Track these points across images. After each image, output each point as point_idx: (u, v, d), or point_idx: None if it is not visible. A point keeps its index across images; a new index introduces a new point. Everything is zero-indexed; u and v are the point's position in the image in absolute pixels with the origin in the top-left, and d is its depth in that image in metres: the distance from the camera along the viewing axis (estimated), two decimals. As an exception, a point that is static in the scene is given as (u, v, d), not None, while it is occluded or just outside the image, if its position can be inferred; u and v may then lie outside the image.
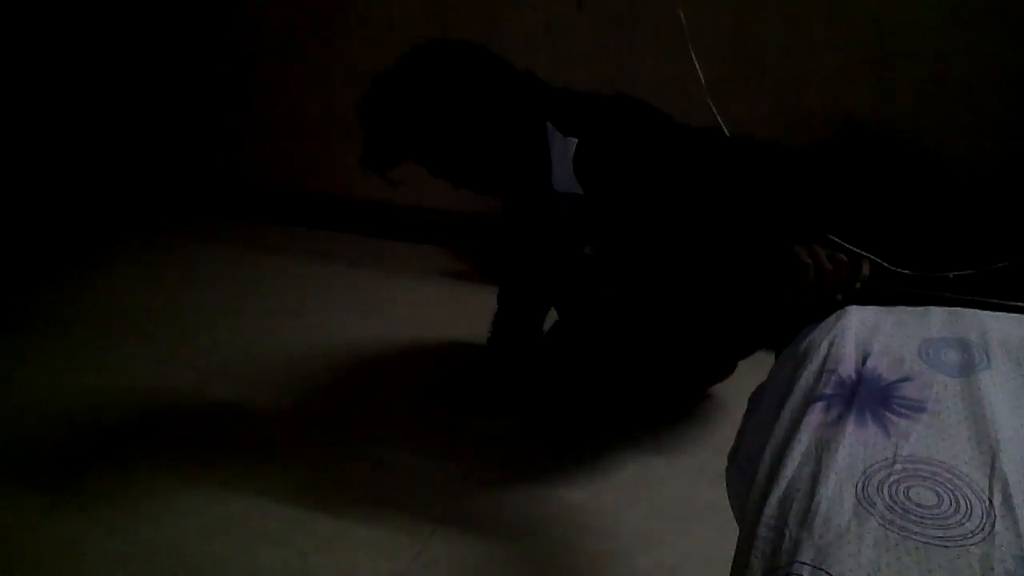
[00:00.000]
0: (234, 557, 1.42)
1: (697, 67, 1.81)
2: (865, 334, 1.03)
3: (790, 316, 1.15)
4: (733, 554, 0.85)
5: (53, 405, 1.84)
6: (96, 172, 2.77)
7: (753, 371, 1.60)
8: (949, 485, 0.80)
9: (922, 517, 0.76)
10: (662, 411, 1.71)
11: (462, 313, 2.22)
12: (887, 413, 0.90)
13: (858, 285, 1.11)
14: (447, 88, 1.37)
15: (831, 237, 1.25)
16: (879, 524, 0.76)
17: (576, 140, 1.36)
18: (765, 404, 1.05)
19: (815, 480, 0.83)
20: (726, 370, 1.67)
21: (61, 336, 2.13)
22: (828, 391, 0.95)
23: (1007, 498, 0.77)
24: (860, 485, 0.81)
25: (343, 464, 1.65)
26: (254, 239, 2.70)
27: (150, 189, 2.90)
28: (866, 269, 1.12)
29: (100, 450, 1.69)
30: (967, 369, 0.94)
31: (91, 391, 1.88)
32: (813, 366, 1.00)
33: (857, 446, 0.86)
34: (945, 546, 0.73)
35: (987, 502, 0.77)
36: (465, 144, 1.42)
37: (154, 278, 2.48)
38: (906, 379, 0.94)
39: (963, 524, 0.75)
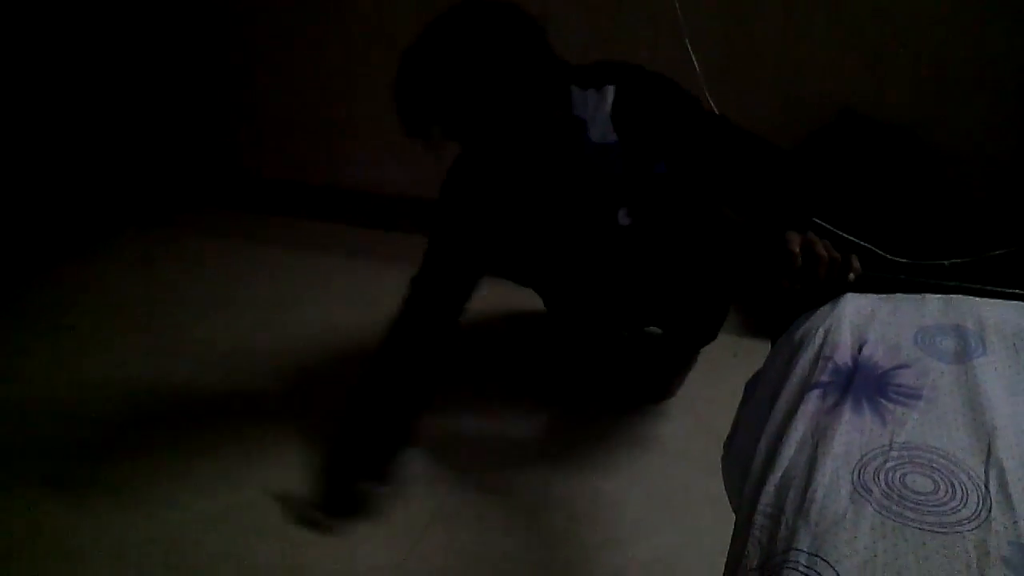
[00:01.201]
0: (231, 550, 1.42)
1: (692, 56, 1.80)
2: (861, 322, 1.03)
3: (788, 303, 1.15)
4: (729, 542, 0.85)
5: (49, 396, 1.83)
6: (93, 163, 2.76)
7: (749, 359, 1.60)
8: (945, 472, 0.80)
9: (918, 504, 0.76)
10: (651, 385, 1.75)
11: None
12: (883, 400, 0.90)
13: (852, 277, 1.11)
14: (482, 51, 1.30)
15: (827, 227, 1.25)
16: (875, 511, 0.76)
17: (612, 88, 1.38)
18: (761, 392, 1.05)
19: (811, 468, 0.83)
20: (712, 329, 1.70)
21: (57, 327, 2.13)
22: (824, 379, 0.95)
23: (1003, 484, 0.77)
24: (856, 472, 0.82)
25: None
26: (251, 230, 2.69)
27: (147, 180, 2.89)
28: (856, 263, 1.12)
29: (96, 441, 1.69)
30: (963, 356, 0.94)
31: (87, 382, 1.88)
32: (809, 354, 1.00)
33: (853, 433, 0.86)
34: (942, 532, 0.73)
35: (983, 488, 0.77)
36: (500, 107, 1.33)
37: (151, 269, 2.47)
38: (902, 366, 0.94)
39: (959, 511, 0.75)
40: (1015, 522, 0.73)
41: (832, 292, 1.11)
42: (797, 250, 1.11)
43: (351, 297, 2.27)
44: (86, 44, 2.68)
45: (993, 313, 1.00)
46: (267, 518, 1.48)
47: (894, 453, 0.83)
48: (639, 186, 1.40)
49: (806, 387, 0.95)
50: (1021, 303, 1.03)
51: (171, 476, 1.59)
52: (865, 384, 0.93)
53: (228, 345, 2.04)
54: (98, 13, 2.68)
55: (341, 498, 1.48)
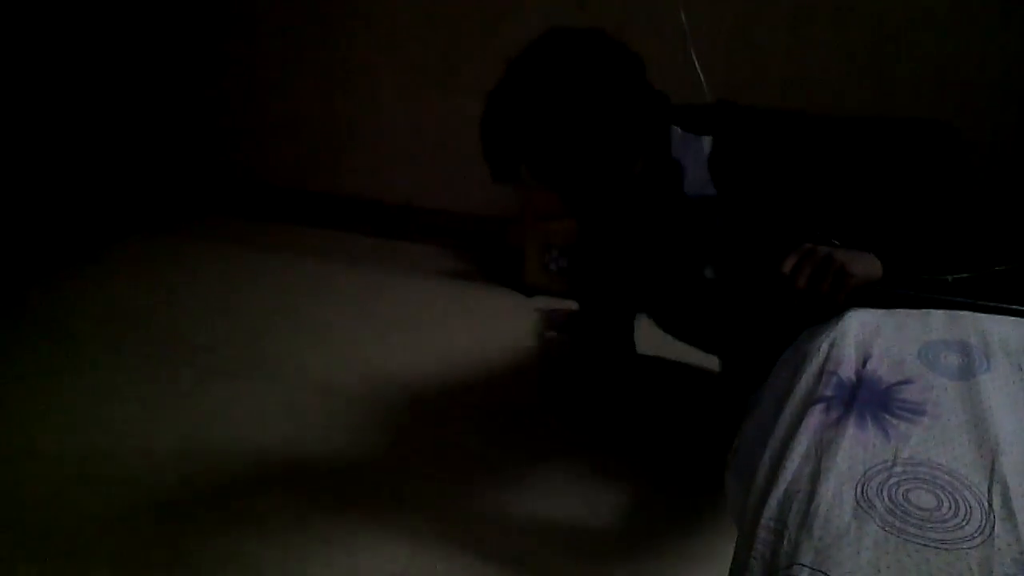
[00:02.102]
0: (233, 557, 1.41)
1: (698, 67, 1.81)
2: (865, 336, 1.03)
3: (792, 317, 1.15)
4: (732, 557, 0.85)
5: (49, 404, 1.83)
6: (95, 170, 2.77)
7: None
8: (949, 488, 0.80)
9: (922, 520, 0.76)
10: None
11: (461, 312, 2.22)
12: (887, 416, 0.90)
13: (840, 298, 1.11)
14: (578, 86, 1.18)
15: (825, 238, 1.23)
16: (879, 526, 0.76)
17: (709, 139, 1.28)
18: (764, 406, 1.05)
19: (814, 482, 0.83)
20: None
21: (58, 334, 2.12)
22: (828, 393, 0.95)
23: (1007, 501, 0.77)
24: (860, 487, 0.82)
25: (341, 463, 1.65)
26: (253, 238, 2.69)
27: (149, 187, 2.89)
28: (853, 281, 1.11)
29: (98, 446, 1.69)
30: (967, 372, 0.94)
31: (88, 389, 1.88)
32: (813, 368, 1.00)
33: (857, 448, 0.86)
34: (945, 549, 0.73)
35: (987, 505, 0.77)
36: (595, 150, 1.22)
37: (152, 276, 2.47)
38: (906, 382, 0.95)
39: (963, 527, 0.75)
40: (1018, 539, 0.73)
41: (828, 308, 1.11)
42: (787, 270, 1.11)
43: (353, 305, 2.27)
44: (90, 51, 2.69)
45: (997, 329, 1.00)
46: (270, 524, 1.48)
47: (898, 468, 0.83)
48: (730, 242, 1.30)
49: (810, 401, 0.95)
50: (1025, 319, 1.03)
51: (172, 484, 1.59)
52: (869, 399, 0.93)
53: (229, 352, 2.04)
54: (102, 20, 2.69)
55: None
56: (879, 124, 1.35)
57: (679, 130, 1.29)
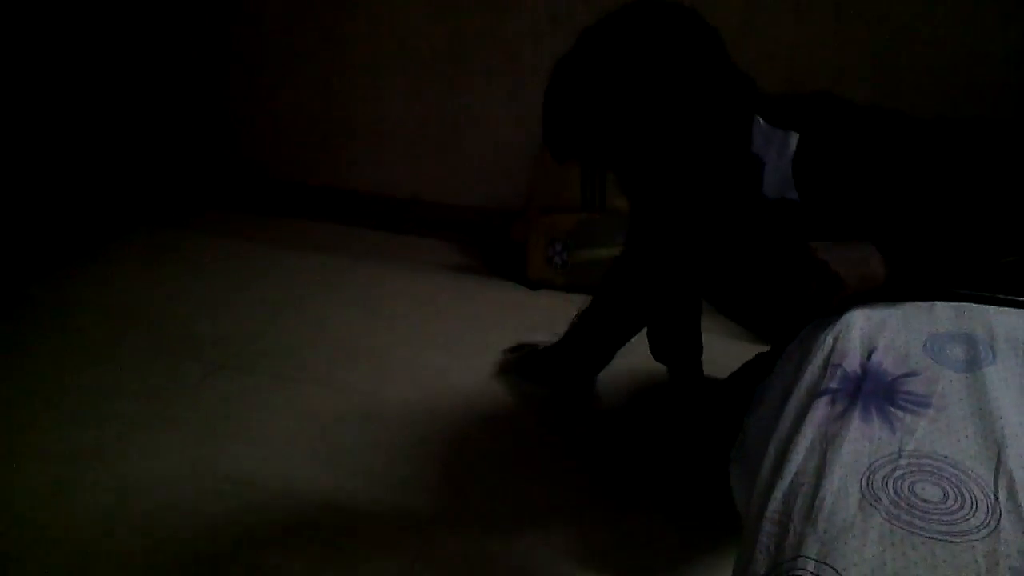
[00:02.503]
0: (236, 556, 1.42)
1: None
2: (870, 329, 1.02)
3: (798, 310, 1.15)
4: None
5: (54, 399, 1.84)
6: (99, 164, 2.77)
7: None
8: (954, 480, 0.80)
9: (927, 512, 0.76)
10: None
11: (467, 306, 2.22)
12: (892, 408, 0.90)
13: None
14: (656, 67, 1.07)
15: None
16: (884, 519, 0.76)
17: (795, 137, 1.13)
18: (769, 398, 1.04)
19: (820, 475, 0.83)
20: None
21: (65, 329, 2.13)
22: (833, 385, 0.95)
23: (1012, 493, 0.77)
24: (865, 480, 0.81)
25: (345, 456, 1.65)
26: (258, 232, 2.70)
27: (154, 181, 2.90)
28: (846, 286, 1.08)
29: (103, 441, 1.69)
30: (973, 364, 0.94)
31: (94, 383, 1.88)
32: (818, 360, 1.00)
33: (862, 441, 0.86)
34: (950, 541, 0.73)
35: (992, 497, 0.77)
36: (668, 137, 1.12)
37: (157, 271, 2.47)
38: (911, 374, 0.94)
39: (968, 519, 0.75)
40: (1024, 532, 0.73)
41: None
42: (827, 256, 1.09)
43: (358, 299, 2.27)
44: (95, 46, 2.69)
45: (1003, 321, 1.00)
46: (274, 520, 1.49)
47: (903, 461, 0.83)
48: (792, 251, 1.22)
49: (815, 393, 0.95)
50: (1031, 311, 1.03)
51: (177, 478, 1.59)
52: (874, 391, 0.92)
53: (235, 346, 2.04)
54: (108, 15, 2.69)
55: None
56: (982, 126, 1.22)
57: (763, 122, 1.16)
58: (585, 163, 1.24)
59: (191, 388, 1.87)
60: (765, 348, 1.45)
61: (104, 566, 1.40)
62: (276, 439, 1.70)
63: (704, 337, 1.71)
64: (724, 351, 1.73)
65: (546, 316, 2.09)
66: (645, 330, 1.69)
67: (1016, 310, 1.03)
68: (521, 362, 1.88)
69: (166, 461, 1.64)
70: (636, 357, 1.75)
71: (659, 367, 1.75)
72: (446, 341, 2.05)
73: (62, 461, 1.64)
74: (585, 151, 1.15)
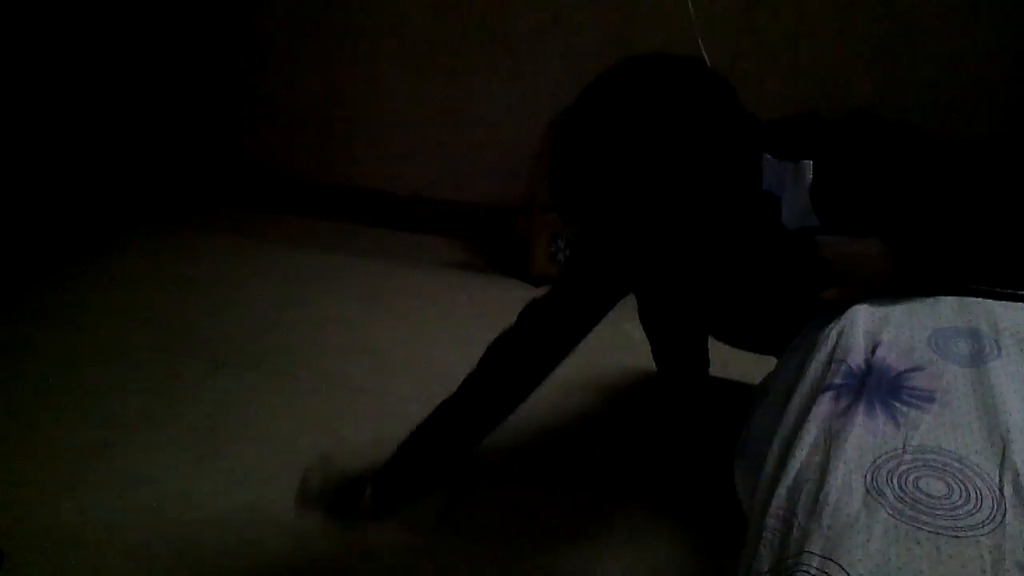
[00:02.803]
0: (240, 548, 1.42)
1: (704, 55, 1.80)
2: (875, 324, 1.02)
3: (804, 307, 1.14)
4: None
5: (57, 397, 1.84)
6: (103, 163, 2.77)
7: (761, 361, 1.59)
8: (959, 475, 0.79)
9: (932, 507, 0.76)
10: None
11: (470, 304, 2.22)
12: (897, 403, 0.89)
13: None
14: (663, 128, 1.04)
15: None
16: (889, 514, 0.76)
17: (810, 164, 1.12)
18: (773, 395, 1.04)
19: (824, 470, 0.83)
20: None
21: (68, 327, 2.13)
22: (837, 381, 0.94)
23: (1017, 488, 0.76)
24: (869, 475, 0.81)
25: (347, 456, 1.65)
26: (261, 229, 2.70)
27: (157, 179, 2.90)
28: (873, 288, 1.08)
29: (108, 439, 1.69)
30: (977, 359, 0.94)
31: (98, 381, 1.89)
32: (822, 356, 1.00)
33: (866, 436, 0.86)
34: (955, 536, 0.73)
35: (998, 492, 0.77)
36: (678, 198, 1.08)
37: (160, 268, 2.48)
38: (916, 369, 0.94)
39: (973, 514, 0.75)
40: (1030, 526, 0.73)
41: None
42: (830, 256, 1.08)
43: (361, 297, 2.27)
44: (100, 44, 2.69)
45: (1008, 316, 0.99)
46: (277, 515, 1.49)
47: (907, 456, 0.82)
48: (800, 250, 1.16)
49: (819, 389, 0.95)
50: (1036, 306, 1.02)
51: (182, 472, 1.60)
52: (878, 386, 0.92)
53: (238, 344, 2.04)
54: (107, 13, 2.69)
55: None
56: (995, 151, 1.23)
57: (771, 158, 1.15)
58: (594, 227, 1.21)
59: (193, 386, 1.87)
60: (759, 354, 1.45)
61: (109, 562, 1.40)
62: (278, 437, 1.70)
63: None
64: (726, 352, 1.72)
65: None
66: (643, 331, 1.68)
67: (1020, 305, 1.03)
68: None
69: (171, 458, 1.64)
70: (631, 355, 1.75)
71: (652, 365, 1.73)
72: (449, 338, 2.05)
73: (66, 459, 1.64)
74: (594, 211, 1.11)
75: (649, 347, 1.67)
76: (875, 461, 0.83)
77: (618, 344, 1.60)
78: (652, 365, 1.77)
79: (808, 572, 0.73)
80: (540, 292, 1.39)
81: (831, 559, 0.73)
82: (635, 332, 1.67)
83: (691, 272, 1.33)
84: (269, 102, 2.79)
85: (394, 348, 2.01)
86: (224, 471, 1.61)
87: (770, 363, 1.19)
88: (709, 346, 1.68)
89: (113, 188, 2.77)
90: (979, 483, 0.78)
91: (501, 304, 2.21)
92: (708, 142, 1.06)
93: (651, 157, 1.03)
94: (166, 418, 1.76)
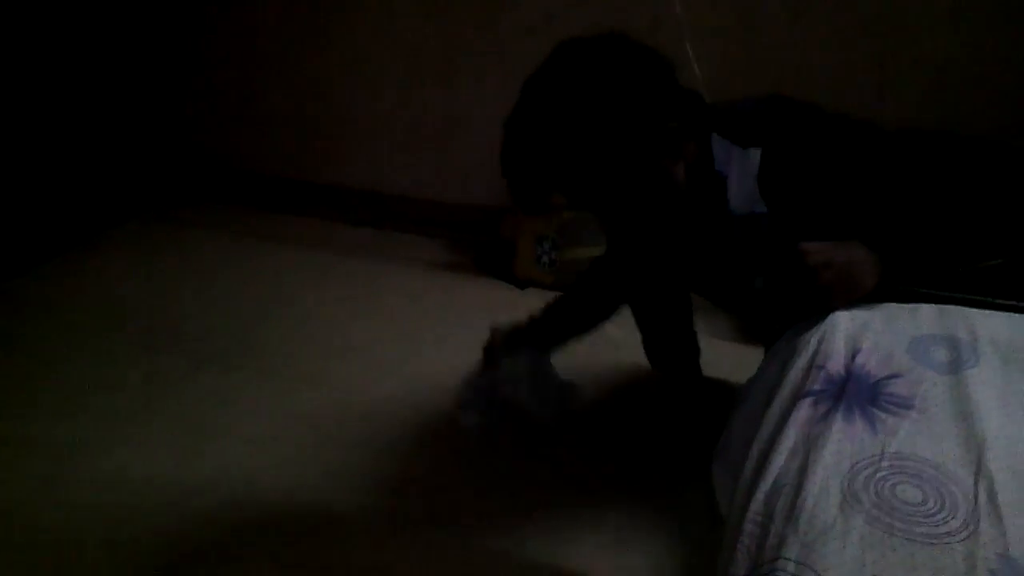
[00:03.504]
0: (220, 548, 1.42)
1: (693, 59, 1.81)
2: (854, 330, 1.03)
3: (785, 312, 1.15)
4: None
5: (41, 391, 1.83)
6: (92, 157, 2.75)
7: (742, 366, 1.60)
8: (935, 483, 0.80)
9: (907, 514, 0.76)
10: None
11: (455, 304, 2.22)
12: (875, 410, 0.90)
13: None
14: (611, 105, 1.07)
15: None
16: (865, 521, 0.76)
17: (758, 152, 1.15)
18: (753, 399, 1.05)
19: (802, 476, 0.83)
20: None
21: (51, 322, 2.12)
22: (817, 387, 0.95)
23: (992, 496, 0.77)
24: (847, 481, 0.81)
25: (331, 455, 1.64)
26: (248, 227, 2.69)
27: (146, 175, 2.88)
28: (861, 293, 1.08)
29: (86, 436, 1.68)
30: (955, 367, 0.94)
31: (80, 377, 1.87)
32: (802, 362, 1.00)
33: (844, 442, 0.86)
34: (930, 543, 0.73)
35: (972, 500, 0.77)
36: (626, 172, 1.12)
37: (147, 264, 2.46)
38: (895, 376, 0.94)
39: (948, 522, 0.75)
40: (1003, 534, 0.73)
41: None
42: (817, 263, 1.07)
43: (347, 296, 2.26)
44: (85, 39, 2.67)
45: (986, 324, 1.00)
46: (257, 514, 1.48)
47: (885, 463, 0.83)
48: (781, 255, 1.17)
49: (798, 395, 0.95)
50: (1013, 314, 1.03)
51: (162, 471, 1.59)
52: (857, 393, 0.93)
53: (224, 341, 2.03)
54: (99, 7, 2.67)
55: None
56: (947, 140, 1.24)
57: (720, 139, 1.18)
58: (549, 204, 1.25)
59: (176, 383, 1.86)
60: (753, 347, 1.46)
61: (88, 560, 1.39)
62: (261, 435, 1.70)
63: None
64: (713, 351, 1.73)
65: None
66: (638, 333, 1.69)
67: (999, 313, 1.04)
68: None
69: (151, 456, 1.63)
70: (613, 353, 1.75)
71: (631, 361, 1.74)
72: (434, 339, 2.05)
73: (47, 455, 1.63)
74: (550, 192, 1.16)
75: (631, 345, 1.68)
76: (853, 467, 0.83)
77: (599, 341, 1.62)
78: (631, 361, 1.78)
79: (784, 577, 0.74)
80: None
81: (807, 565, 0.73)
82: (617, 330, 1.68)
83: (654, 244, 1.38)
84: (259, 100, 2.77)
85: (377, 347, 2.01)
86: (209, 468, 1.60)
87: (754, 363, 1.20)
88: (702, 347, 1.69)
89: (98, 183, 2.75)
90: (954, 490, 0.79)
91: (485, 305, 2.23)
92: (648, 114, 1.08)
93: (595, 132, 1.07)
94: (146, 415, 1.75)
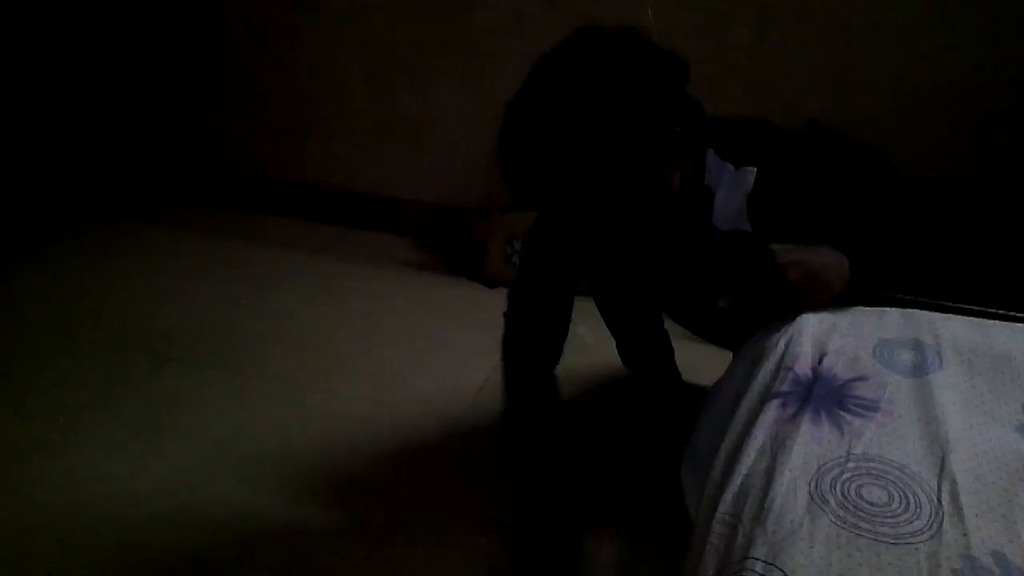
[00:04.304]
0: (182, 545, 1.40)
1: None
2: (822, 333, 1.04)
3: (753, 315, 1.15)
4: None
5: (1, 391, 1.79)
6: (53, 154, 2.70)
7: (711, 368, 1.61)
8: (900, 484, 0.81)
9: (873, 515, 0.77)
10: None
11: (424, 305, 2.21)
12: (841, 412, 0.91)
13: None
14: (619, 106, 1.03)
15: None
16: (831, 521, 0.77)
17: (753, 172, 1.15)
18: (722, 401, 1.05)
19: (769, 477, 0.84)
20: None
21: (11, 319, 2.08)
22: (784, 389, 0.96)
23: (955, 497, 0.78)
24: (814, 482, 0.82)
25: (296, 455, 1.63)
26: (213, 225, 2.66)
27: (108, 173, 2.83)
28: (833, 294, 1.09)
29: (49, 435, 1.65)
30: (920, 370, 0.96)
31: (42, 376, 1.84)
32: (770, 364, 1.01)
33: (811, 444, 0.87)
34: (894, 543, 0.74)
35: (936, 501, 0.78)
36: (625, 171, 1.08)
37: (110, 262, 2.43)
38: (861, 378, 0.96)
39: (912, 522, 0.76)
40: (966, 534, 0.74)
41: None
42: (785, 263, 1.07)
43: (313, 294, 2.25)
44: (50, 37, 2.62)
45: (949, 328, 1.02)
46: (220, 513, 1.46)
47: (851, 464, 0.84)
48: (751, 264, 1.16)
49: (766, 397, 0.96)
50: (976, 319, 1.05)
51: (125, 469, 1.57)
52: (824, 395, 0.94)
53: (186, 339, 2.01)
54: (61, 5, 2.63)
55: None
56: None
57: (714, 154, 1.18)
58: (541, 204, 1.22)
59: (139, 382, 1.84)
60: (720, 349, 1.47)
61: (49, 562, 1.37)
62: (224, 435, 1.68)
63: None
64: (681, 352, 1.74)
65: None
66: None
67: (961, 317, 1.06)
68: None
69: (111, 456, 1.61)
70: (584, 357, 1.75)
71: (605, 365, 1.74)
72: (403, 338, 2.04)
73: (6, 455, 1.60)
74: (546, 190, 1.10)
75: (603, 349, 1.68)
76: (819, 468, 0.84)
77: (571, 345, 1.62)
78: (605, 366, 1.78)
79: (751, 577, 0.74)
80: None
81: (774, 565, 0.74)
82: (588, 335, 1.69)
83: (634, 251, 1.35)
84: (227, 96, 2.74)
85: (346, 347, 2.00)
86: (168, 469, 1.58)
87: (722, 365, 1.21)
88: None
89: (61, 180, 2.71)
90: (918, 491, 0.80)
91: (455, 305, 2.22)
92: (656, 113, 1.05)
93: (601, 130, 1.03)
94: (110, 414, 1.73)
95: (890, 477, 0.82)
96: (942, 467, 0.82)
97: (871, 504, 0.79)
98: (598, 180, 1.07)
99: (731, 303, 1.24)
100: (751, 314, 1.17)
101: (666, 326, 1.67)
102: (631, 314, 1.62)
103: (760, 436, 0.90)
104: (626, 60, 1.06)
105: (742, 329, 1.21)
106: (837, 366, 0.98)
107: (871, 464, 0.84)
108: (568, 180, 1.07)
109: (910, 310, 1.07)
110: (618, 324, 1.64)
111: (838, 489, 0.81)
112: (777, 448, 0.87)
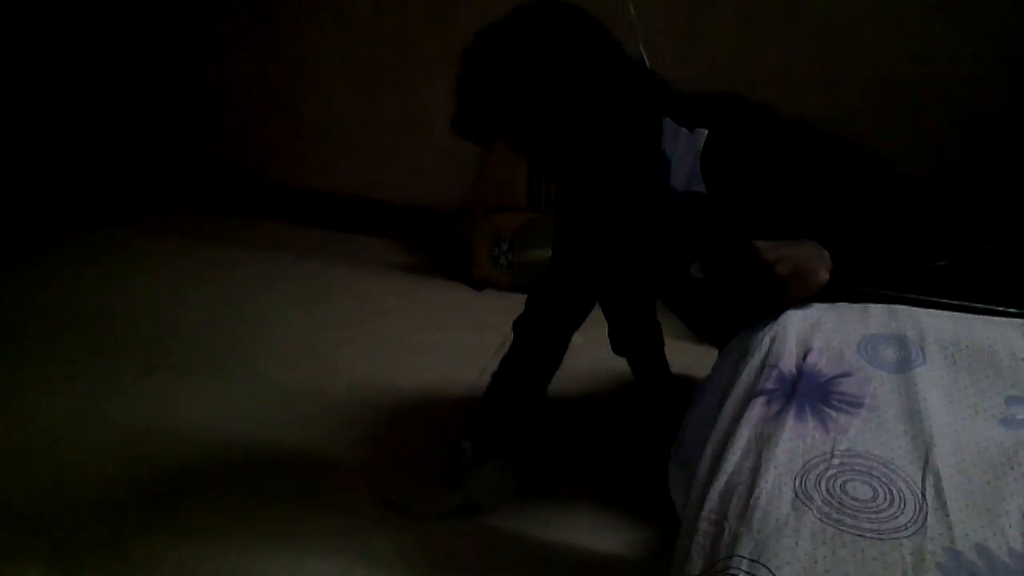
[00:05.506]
0: (166, 554, 1.39)
1: (647, 61, 1.81)
2: (806, 330, 1.04)
3: (738, 311, 1.16)
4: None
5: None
6: (42, 160, 2.69)
7: (696, 366, 1.61)
8: (884, 479, 0.81)
9: (857, 511, 0.78)
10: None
11: (411, 306, 2.20)
12: (826, 408, 0.91)
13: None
14: (563, 54, 1.17)
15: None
16: (816, 518, 0.77)
17: (704, 132, 1.21)
18: (707, 398, 1.05)
19: (755, 474, 0.84)
20: None
21: (3, 327, 2.07)
22: (769, 386, 0.96)
23: (939, 492, 0.79)
24: (799, 479, 0.83)
25: (283, 458, 1.62)
26: (201, 229, 2.65)
27: (94, 178, 2.82)
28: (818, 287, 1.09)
29: (35, 443, 1.64)
30: (904, 365, 0.96)
31: (28, 383, 1.83)
32: (755, 361, 1.01)
33: (796, 440, 0.87)
34: (879, 539, 0.75)
35: (920, 496, 0.79)
36: (576, 123, 1.19)
37: (96, 269, 2.41)
38: (845, 375, 0.96)
39: (896, 517, 0.77)
40: (950, 529, 0.75)
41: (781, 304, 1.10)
42: (772, 258, 1.08)
43: (300, 297, 2.24)
44: (35, 42, 2.61)
45: (933, 324, 1.03)
46: (210, 520, 1.46)
47: (835, 460, 0.84)
48: (718, 241, 1.22)
49: (751, 394, 0.96)
50: (959, 314, 1.06)
51: (110, 479, 1.55)
52: (809, 392, 0.94)
53: (175, 344, 2.00)
54: (51, 9, 2.61)
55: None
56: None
57: (671, 121, 1.24)
58: (488, 141, 1.29)
59: (126, 388, 1.83)
60: (706, 347, 1.47)
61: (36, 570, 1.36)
62: (212, 440, 1.67)
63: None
64: (668, 350, 1.74)
65: (490, 316, 2.08)
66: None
67: (946, 312, 1.06)
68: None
69: (99, 463, 1.59)
70: (573, 358, 1.75)
71: (623, 367, 1.74)
72: (389, 341, 2.03)
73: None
74: (495, 132, 1.24)
75: (591, 351, 1.69)
76: (804, 465, 0.84)
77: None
78: (592, 369, 1.78)
79: (738, 575, 0.74)
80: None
81: (760, 562, 0.74)
82: (576, 336, 1.68)
83: (599, 214, 1.43)
84: (211, 101, 2.73)
85: (333, 351, 1.99)
86: (156, 475, 1.57)
87: (708, 363, 1.21)
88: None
89: (48, 186, 2.69)
90: (903, 487, 0.80)
91: (442, 307, 2.22)
92: (610, 74, 1.19)
93: (555, 80, 1.16)
94: (97, 420, 1.71)
95: (875, 473, 0.82)
96: (926, 462, 0.83)
97: (856, 500, 0.79)
98: (554, 121, 1.18)
99: (703, 270, 1.26)
100: (723, 282, 1.20)
101: (662, 327, 1.68)
102: (621, 290, 1.62)
103: (745, 433, 0.91)
104: (562, 15, 1.21)
105: (718, 301, 1.28)
106: (821, 362, 0.98)
107: (856, 460, 0.84)
108: (516, 116, 1.20)
109: (894, 306, 1.07)
110: (610, 302, 1.64)
111: (823, 486, 0.81)
112: (762, 445, 0.88)
